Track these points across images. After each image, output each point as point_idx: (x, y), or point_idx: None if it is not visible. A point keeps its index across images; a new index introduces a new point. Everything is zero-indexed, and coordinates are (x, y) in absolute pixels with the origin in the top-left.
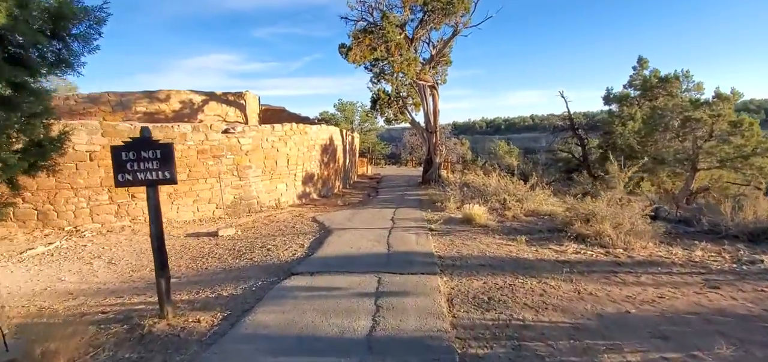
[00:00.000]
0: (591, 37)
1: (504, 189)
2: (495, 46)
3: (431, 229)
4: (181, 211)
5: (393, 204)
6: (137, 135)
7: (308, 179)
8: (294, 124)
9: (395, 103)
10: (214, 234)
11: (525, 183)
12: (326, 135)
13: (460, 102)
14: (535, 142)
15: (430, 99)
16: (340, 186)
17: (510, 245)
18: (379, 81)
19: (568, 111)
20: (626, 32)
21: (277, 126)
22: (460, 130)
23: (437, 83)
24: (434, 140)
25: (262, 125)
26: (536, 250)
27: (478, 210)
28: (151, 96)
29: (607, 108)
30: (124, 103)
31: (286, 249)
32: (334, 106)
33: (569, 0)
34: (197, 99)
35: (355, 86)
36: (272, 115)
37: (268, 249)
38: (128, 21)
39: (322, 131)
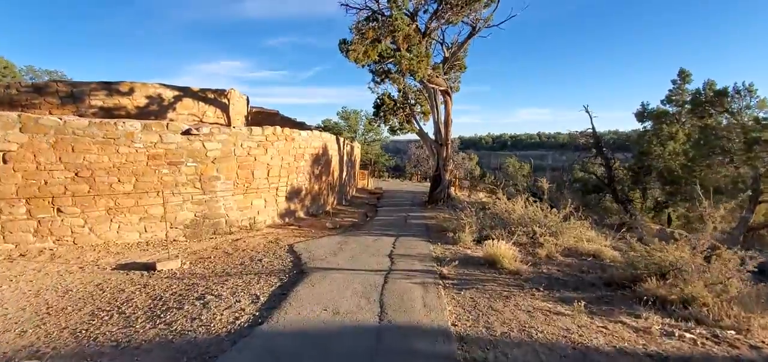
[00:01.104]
0: (601, 55)
1: (532, 218)
2: (502, 65)
3: (443, 276)
4: (123, 231)
5: (393, 230)
6: (72, 130)
7: (294, 194)
8: (278, 128)
9: (401, 110)
10: (151, 268)
11: (550, 209)
12: (319, 143)
13: (465, 117)
14: (542, 159)
15: (441, 107)
16: (334, 203)
17: (563, 314)
18: (383, 81)
19: (593, 127)
20: (644, 48)
21: (256, 129)
22: (466, 144)
23: (451, 89)
24: (445, 154)
25: (235, 127)
26: (604, 326)
27: (505, 250)
28: (109, 88)
29: (641, 126)
30: (77, 96)
31: (229, 309)
32: (338, 114)
33: (578, 18)
34: (168, 94)
35: (364, 97)
36: (264, 119)
37: (205, 305)
38: (147, 28)
39: (314, 138)
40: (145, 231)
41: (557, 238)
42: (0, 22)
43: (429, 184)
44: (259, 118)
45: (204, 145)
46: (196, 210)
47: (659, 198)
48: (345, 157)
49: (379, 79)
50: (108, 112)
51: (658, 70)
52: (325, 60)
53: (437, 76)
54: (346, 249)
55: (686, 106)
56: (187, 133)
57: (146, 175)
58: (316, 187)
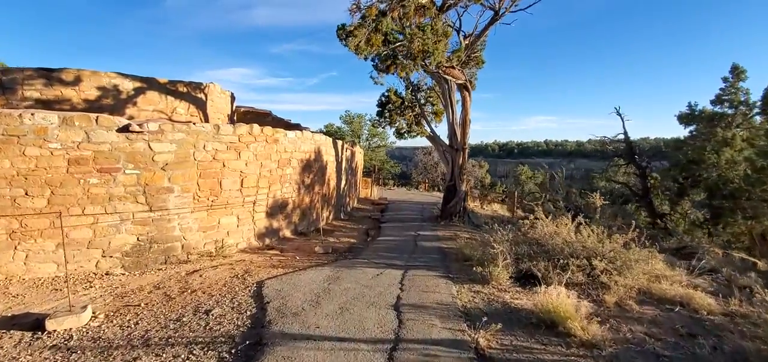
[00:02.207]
0: (609, 63)
1: (587, 246)
2: (508, 72)
3: (482, 354)
4: (32, 262)
5: (400, 257)
6: None
7: (277, 209)
8: (255, 127)
9: (409, 109)
10: (37, 328)
11: (607, 232)
12: (310, 146)
13: (471, 125)
14: (551, 167)
15: (457, 105)
16: (330, 218)
17: None
18: (388, 70)
19: (625, 132)
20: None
21: (226, 127)
22: (472, 151)
23: (470, 82)
24: (461, 160)
25: (197, 125)
26: None
27: (566, 304)
28: (49, 76)
29: (687, 130)
30: (6, 85)
31: None
32: (341, 119)
33: (586, 26)
34: (127, 86)
35: (368, 104)
36: (254, 120)
37: None
38: (158, 35)
39: (304, 140)
40: (66, 261)
41: (624, 275)
42: (10, 27)
43: (439, 194)
44: (248, 118)
45: (150, 146)
46: (140, 232)
47: (705, 214)
48: (344, 164)
49: (383, 67)
50: (47, 106)
51: (673, 77)
52: (330, 67)
53: (454, 67)
54: (335, 293)
55: (741, 107)
56: (125, 129)
57: (67, 186)
58: (307, 200)
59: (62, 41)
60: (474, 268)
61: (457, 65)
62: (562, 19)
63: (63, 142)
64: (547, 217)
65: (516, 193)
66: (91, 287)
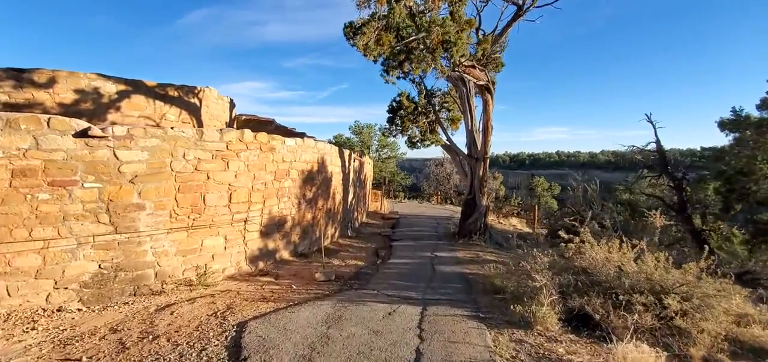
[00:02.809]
0: (621, 74)
1: (653, 278)
2: (518, 83)
3: None
4: None
5: (416, 286)
6: None
7: (274, 227)
8: (247, 133)
9: (423, 115)
10: None
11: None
12: (312, 156)
13: None
14: (563, 179)
15: (477, 109)
16: (336, 236)
17: None
18: (400, 66)
19: (657, 140)
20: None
21: (211, 132)
22: None
23: (492, 84)
24: (481, 171)
25: (175, 129)
26: None
27: None
28: (20, 77)
29: (730, 137)
30: None
31: None
32: (350, 129)
33: (597, 38)
34: (109, 89)
35: (378, 116)
36: (256, 129)
37: None
38: (173, 51)
39: (306, 149)
40: (8, 294)
41: (705, 317)
42: (31, 42)
43: (452, 207)
44: (250, 127)
45: (116, 155)
46: (102, 258)
47: (746, 231)
48: (351, 175)
49: (395, 63)
50: (17, 110)
51: (692, 86)
52: (341, 80)
53: (474, 66)
54: (335, 342)
55: None
56: (83, 134)
57: (9, 203)
58: (309, 216)
59: (82, 57)
60: (510, 306)
61: (477, 63)
62: (573, 31)
63: (5, 149)
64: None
65: (536, 207)
66: (34, 328)
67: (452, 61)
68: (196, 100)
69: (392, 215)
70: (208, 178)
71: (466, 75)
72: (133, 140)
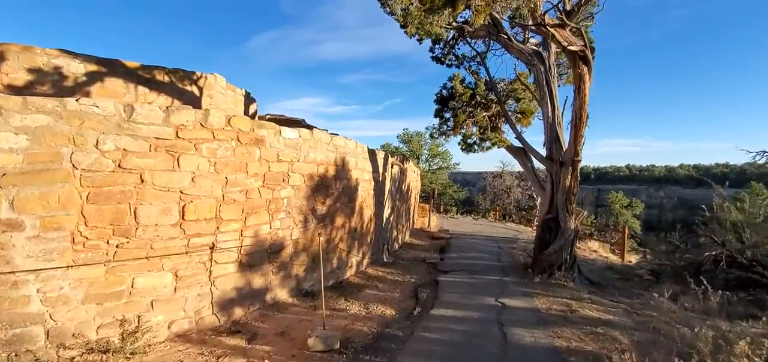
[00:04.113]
0: (701, 83)
1: None
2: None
3: None
4: None
5: None
6: None
7: (263, 256)
8: (213, 113)
9: (482, 108)
10: None
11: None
12: (327, 155)
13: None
14: (634, 195)
15: (554, 97)
16: (364, 262)
17: None
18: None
19: None
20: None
21: (145, 110)
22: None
23: (590, 50)
24: (568, 180)
25: (81, 101)
26: None
27: None
28: None
29: None
30: None
31: None
32: (398, 138)
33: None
34: (75, 69)
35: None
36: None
37: None
38: (241, 70)
39: (315, 145)
40: None
41: None
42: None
43: (514, 226)
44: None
45: None
46: None
47: None
48: (388, 184)
49: (447, 27)
50: None
51: None
52: (394, 95)
53: (562, 25)
54: None
55: None
56: None
57: None
58: (321, 239)
59: None
60: None
61: (566, 18)
62: (645, 35)
63: None
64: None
65: (624, 228)
66: None
67: (530, 10)
68: (194, 89)
69: (442, 234)
70: (143, 181)
71: (555, 31)
72: (0, 115)
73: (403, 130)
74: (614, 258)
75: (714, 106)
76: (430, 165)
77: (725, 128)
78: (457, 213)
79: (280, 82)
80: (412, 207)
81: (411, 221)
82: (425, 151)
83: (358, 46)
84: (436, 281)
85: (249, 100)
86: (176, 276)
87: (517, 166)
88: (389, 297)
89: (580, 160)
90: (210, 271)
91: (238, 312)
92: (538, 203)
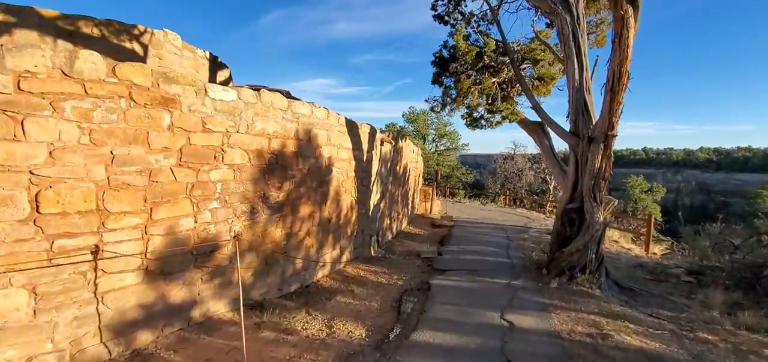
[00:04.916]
0: (719, 60)
1: None
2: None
3: None
4: None
5: None
6: None
7: (186, 260)
8: (83, 55)
9: (490, 73)
10: None
11: None
12: (285, 126)
13: None
14: (651, 178)
15: (582, 55)
16: (343, 258)
17: None
18: None
19: None
20: None
21: None
22: None
23: None
24: (597, 160)
25: None
26: None
27: None
28: None
29: None
30: None
31: None
32: (404, 117)
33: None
34: None
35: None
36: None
37: None
38: (252, 50)
39: (266, 112)
40: None
41: None
42: None
43: (525, 212)
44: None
45: None
46: None
47: None
48: (376, 165)
49: None
50: None
51: None
52: (404, 75)
53: None
54: None
55: None
56: None
57: None
58: (279, 233)
59: None
60: None
61: None
62: (663, 13)
63: None
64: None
65: (650, 217)
66: None
67: None
68: (135, 46)
69: (444, 221)
70: None
71: None
72: None
73: (409, 108)
74: (638, 251)
75: (735, 87)
76: (436, 146)
77: (747, 111)
78: (464, 197)
79: (291, 63)
80: (410, 192)
81: (409, 207)
82: (432, 131)
83: (368, 25)
84: (428, 284)
85: (217, 65)
86: (35, 294)
87: (529, 148)
88: (364, 309)
89: (616, 135)
90: (95, 285)
91: (145, 338)
92: (551, 187)
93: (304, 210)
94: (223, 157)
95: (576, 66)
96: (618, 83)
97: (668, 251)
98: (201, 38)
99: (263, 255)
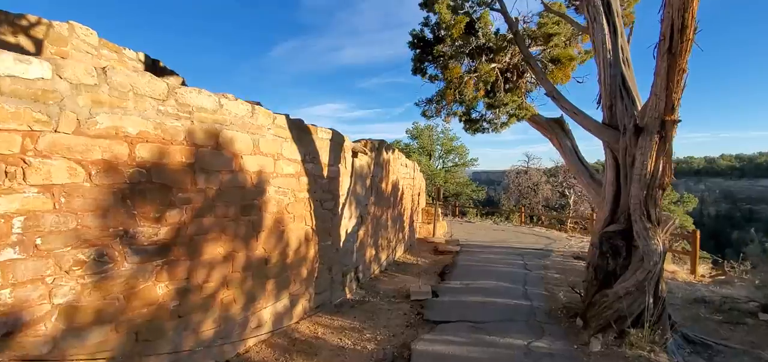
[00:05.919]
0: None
1: None
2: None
3: None
4: None
5: None
6: None
7: None
8: None
9: (488, 58)
10: None
11: None
12: (160, 125)
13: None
14: (674, 188)
15: (616, 15)
16: (297, 311)
17: None
18: None
19: None
20: None
21: None
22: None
23: None
24: (652, 161)
25: None
26: None
27: None
28: None
29: None
30: None
31: None
32: (407, 133)
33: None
34: None
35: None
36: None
37: None
38: (263, 80)
39: (123, 97)
40: None
41: None
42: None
43: (544, 230)
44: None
45: None
46: None
47: None
48: (346, 183)
49: None
50: None
51: None
52: (414, 95)
53: None
54: None
55: None
56: None
57: None
58: (166, 288)
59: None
60: None
61: None
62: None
63: None
64: None
65: (696, 233)
66: None
67: None
68: (25, 42)
69: (449, 246)
70: None
71: None
72: None
73: (413, 124)
74: (683, 274)
75: (754, 93)
76: (444, 162)
77: (763, 116)
78: (476, 216)
79: (302, 89)
80: (406, 214)
81: (406, 232)
82: (438, 147)
83: (376, 49)
84: (409, 353)
85: (159, 71)
86: None
87: (543, 160)
88: None
89: (678, 121)
90: None
91: None
92: (571, 201)
93: (214, 249)
94: (24, 175)
95: (607, 29)
96: (680, 38)
97: (719, 273)
98: (218, 69)
99: (129, 327)
